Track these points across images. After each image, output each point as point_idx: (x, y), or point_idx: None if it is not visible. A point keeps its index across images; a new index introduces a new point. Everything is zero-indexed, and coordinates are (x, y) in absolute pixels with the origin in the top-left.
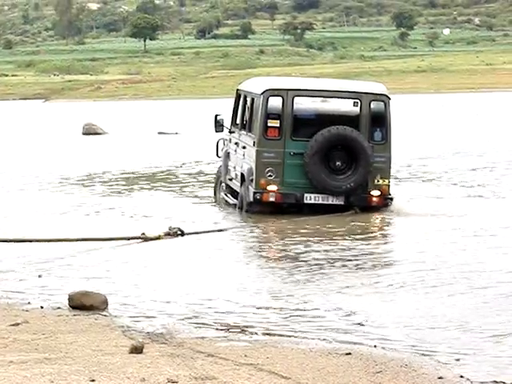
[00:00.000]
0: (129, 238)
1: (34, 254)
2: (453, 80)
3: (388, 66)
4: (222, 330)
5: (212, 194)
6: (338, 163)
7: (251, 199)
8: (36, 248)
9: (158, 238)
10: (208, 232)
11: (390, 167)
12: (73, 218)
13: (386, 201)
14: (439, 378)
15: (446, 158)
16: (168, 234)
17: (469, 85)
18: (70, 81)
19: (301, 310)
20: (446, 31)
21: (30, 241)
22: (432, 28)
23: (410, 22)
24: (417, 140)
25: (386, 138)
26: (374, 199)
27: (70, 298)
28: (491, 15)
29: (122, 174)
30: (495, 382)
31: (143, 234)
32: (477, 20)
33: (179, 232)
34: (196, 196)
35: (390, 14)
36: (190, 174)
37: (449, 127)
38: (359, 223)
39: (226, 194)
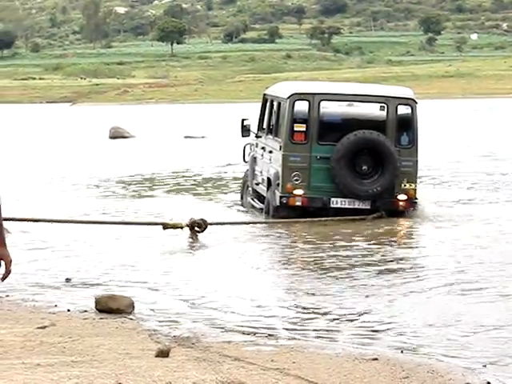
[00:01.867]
0: (149, 224)
1: (60, 257)
2: (480, 85)
3: (415, 71)
4: (248, 334)
5: (239, 199)
6: (364, 167)
7: (277, 203)
8: (63, 251)
9: (180, 227)
10: (232, 224)
11: (416, 171)
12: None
13: (412, 205)
14: (466, 383)
15: (477, 161)
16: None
17: (496, 90)
18: (96, 84)
19: (326, 313)
20: (474, 36)
21: (50, 221)
22: (460, 33)
23: (438, 26)
24: (446, 144)
25: (413, 142)
26: (401, 203)
27: (97, 301)
28: None
29: (149, 177)
30: None
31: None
32: (505, 25)
33: (203, 223)
34: (222, 200)
35: (418, 19)
36: (216, 179)
37: (480, 131)
38: (386, 227)
39: (252, 199)
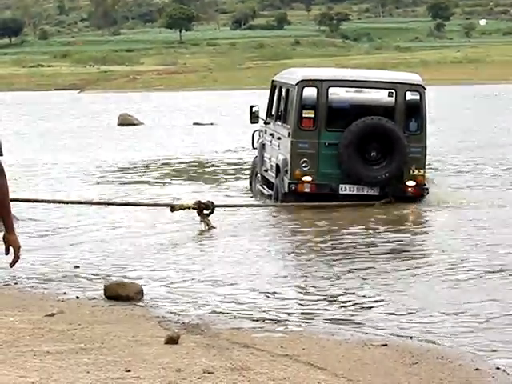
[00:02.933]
0: (156, 205)
1: (69, 244)
2: (489, 71)
3: (424, 57)
4: (257, 320)
5: (248, 185)
6: (372, 154)
7: (286, 190)
8: (72, 238)
9: (187, 207)
10: (240, 206)
11: (425, 157)
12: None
13: (421, 191)
14: (476, 369)
15: (482, 148)
16: (197, 208)
17: (505, 76)
18: (105, 71)
19: (336, 299)
20: (483, 22)
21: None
22: (468, 19)
23: (446, 12)
24: (451, 130)
25: (421, 128)
26: (410, 189)
27: (106, 289)
28: None
29: (157, 164)
30: None
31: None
32: None
33: (210, 205)
34: (231, 187)
35: (426, 5)
36: (225, 165)
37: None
38: (395, 213)
39: (261, 185)
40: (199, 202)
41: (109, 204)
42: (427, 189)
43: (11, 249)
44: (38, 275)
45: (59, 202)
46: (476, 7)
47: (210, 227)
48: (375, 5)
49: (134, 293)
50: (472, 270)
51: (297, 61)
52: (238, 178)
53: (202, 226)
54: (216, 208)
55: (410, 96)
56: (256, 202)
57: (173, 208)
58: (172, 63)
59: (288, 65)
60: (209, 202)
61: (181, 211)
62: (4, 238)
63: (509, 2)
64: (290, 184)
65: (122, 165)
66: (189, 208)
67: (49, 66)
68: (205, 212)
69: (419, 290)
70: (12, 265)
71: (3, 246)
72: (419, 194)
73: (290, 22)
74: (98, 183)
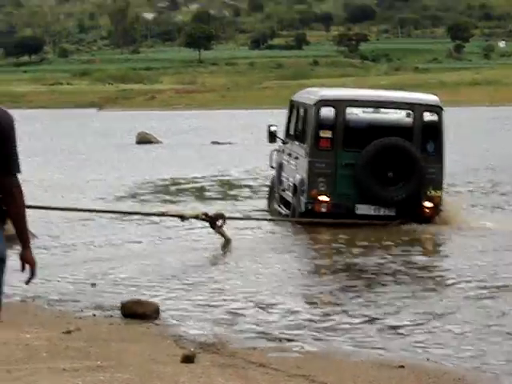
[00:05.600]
0: (168, 215)
1: (86, 262)
2: (508, 93)
3: (442, 78)
4: (273, 340)
5: (265, 205)
6: (389, 174)
7: (303, 209)
8: (88, 255)
9: (196, 217)
10: (250, 219)
11: (442, 178)
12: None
13: (438, 212)
14: None
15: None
16: (207, 217)
17: None
18: (124, 90)
19: (353, 321)
20: (502, 44)
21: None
22: (487, 40)
23: (466, 34)
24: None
25: (439, 149)
26: (427, 210)
27: (123, 306)
28: None
29: (174, 182)
30: None
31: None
32: None
33: (220, 216)
34: (249, 206)
35: (445, 26)
36: (243, 185)
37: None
38: (411, 233)
39: (278, 205)
40: (206, 213)
41: (117, 212)
42: (440, 209)
43: (27, 266)
44: (55, 292)
45: (72, 209)
46: (495, 29)
47: (227, 239)
48: (394, 26)
49: (151, 311)
50: (490, 291)
51: (315, 81)
52: (255, 198)
53: (219, 240)
54: (227, 220)
55: (427, 117)
56: (267, 217)
57: (184, 217)
58: (191, 82)
59: (306, 85)
60: (218, 213)
61: (193, 222)
62: (20, 254)
63: None
64: (306, 203)
65: (138, 183)
66: (199, 218)
67: (68, 84)
68: (218, 223)
69: (436, 311)
70: (28, 282)
71: (19, 263)
72: (435, 215)
73: (309, 42)
74: (114, 201)
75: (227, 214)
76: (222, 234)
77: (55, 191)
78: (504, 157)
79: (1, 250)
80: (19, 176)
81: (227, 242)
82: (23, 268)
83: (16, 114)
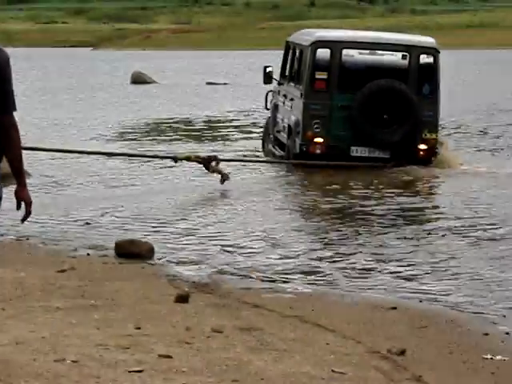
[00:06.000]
0: (161, 157)
1: (80, 201)
2: (506, 36)
3: (439, 21)
4: (267, 281)
5: (260, 146)
6: (385, 116)
7: (297, 151)
8: (83, 195)
9: (188, 158)
10: (244, 161)
11: (437, 121)
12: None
13: (433, 154)
14: (484, 334)
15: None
16: (200, 159)
17: None
18: (119, 29)
19: (346, 263)
20: None
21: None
22: None
23: None
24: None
25: (434, 91)
26: (421, 153)
27: (117, 246)
28: None
29: (169, 122)
30: None
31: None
32: None
33: (213, 159)
34: (244, 146)
35: None
36: (238, 125)
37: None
38: (405, 175)
39: (273, 146)
40: (198, 156)
41: (109, 154)
42: (437, 152)
43: (22, 204)
44: (50, 231)
45: (65, 151)
46: None
47: (224, 175)
48: None
49: (145, 251)
50: (482, 234)
51: (312, 22)
52: (249, 139)
53: (214, 181)
54: (221, 162)
55: (423, 59)
56: (260, 159)
57: (176, 159)
58: (186, 22)
59: (303, 26)
60: (211, 155)
61: (185, 163)
62: (16, 192)
63: None
64: (301, 145)
65: (132, 123)
66: (192, 160)
67: (63, 23)
68: (212, 164)
69: (428, 254)
70: (23, 220)
71: (15, 201)
72: (431, 157)
73: None
74: (107, 141)
75: (221, 155)
76: (219, 171)
77: (52, 130)
78: (496, 100)
79: None
80: (15, 114)
81: (225, 176)
82: (19, 206)
83: (10, 51)
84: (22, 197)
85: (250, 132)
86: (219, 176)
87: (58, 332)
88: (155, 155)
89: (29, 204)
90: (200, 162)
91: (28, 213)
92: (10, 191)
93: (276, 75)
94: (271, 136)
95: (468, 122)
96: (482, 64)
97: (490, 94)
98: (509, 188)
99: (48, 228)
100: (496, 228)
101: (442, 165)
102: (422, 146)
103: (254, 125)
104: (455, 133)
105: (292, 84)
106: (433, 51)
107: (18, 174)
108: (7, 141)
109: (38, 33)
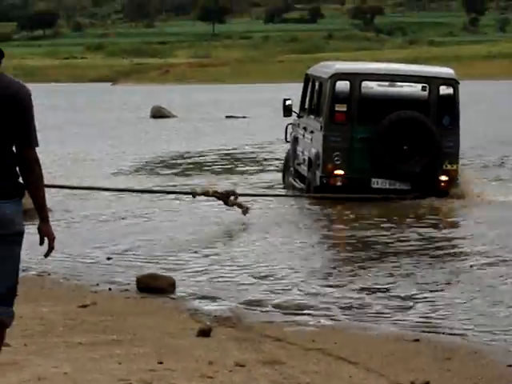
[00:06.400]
0: (179, 193)
1: (102, 236)
2: None
3: (457, 52)
4: (289, 314)
5: (281, 179)
6: (405, 148)
7: (318, 184)
8: (104, 230)
9: (207, 193)
10: (263, 196)
11: (458, 152)
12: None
13: (453, 185)
14: (509, 365)
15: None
16: (218, 193)
17: None
18: (138, 64)
19: (368, 295)
20: None
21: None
22: (503, 13)
23: (481, 6)
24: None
25: (455, 122)
26: (442, 184)
27: (138, 281)
28: None
29: (190, 156)
30: None
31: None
32: None
33: (232, 194)
34: (264, 180)
35: None
36: (258, 158)
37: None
38: (426, 207)
39: (294, 179)
40: (216, 191)
41: (128, 191)
42: (457, 183)
43: (45, 239)
44: (71, 267)
45: (88, 188)
46: (511, 2)
47: (244, 207)
48: None
49: (167, 285)
50: (506, 264)
51: (330, 54)
52: (271, 171)
53: (239, 212)
54: (239, 196)
55: (443, 90)
56: (279, 193)
57: (195, 194)
58: (205, 56)
59: (321, 58)
60: (229, 190)
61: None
62: (39, 228)
63: None
64: (321, 178)
65: (153, 157)
66: (211, 195)
67: (82, 58)
68: (231, 199)
69: (453, 286)
70: (46, 255)
71: (38, 237)
72: (451, 188)
73: (324, 16)
74: (127, 176)
75: (239, 189)
76: (239, 205)
77: (71, 165)
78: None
79: (19, 224)
80: (37, 149)
81: (246, 210)
82: (42, 242)
83: (30, 87)
84: (46, 232)
85: (270, 165)
86: (239, 209)
87: (80, 367)
88: (173, 191)
89: (52, 240)
90: (218, 198)
91: (51, 248)
92: (32, 226)
93: (296, 108)
94: (291, 169)
95: (484, 153)
96: (501, 94)
97: (507, 124)
98: None
99: (69, 263)
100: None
101: (461, 196)
102: (443, 178)
103: (274, 158)
104: (472, 163)
105: (312, 116)
106: (452, 82)
107: (41, 210)
108: (30, 176)
109: (58, 69)
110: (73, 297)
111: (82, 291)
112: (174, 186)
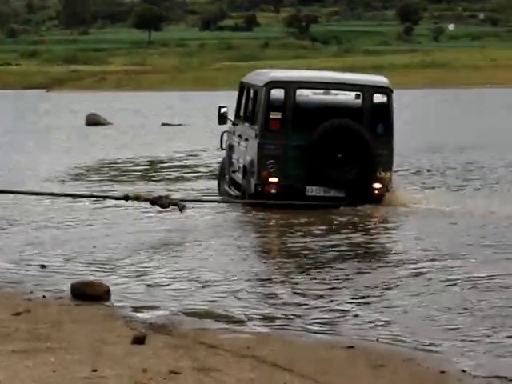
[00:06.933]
0: (112, 198)
1: (35, 243)
2: (457, 75)
3: (392, 61)
4: (224, 321)
5: (216, 186)
6: (339, 156)
7: (253, 191)
8: (37, 236)
9: (138, 198)
10: (197, 201)
11: (392, 160)
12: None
13: (387, 193)
14: (441, 372)
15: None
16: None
17: (472, 80)
18: (73, 71)
19: (303, 302)
20: (451, 26)
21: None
22: (437, 23)
23: (415, 16)
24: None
25: (388, 130)
26: (376, 192)
27: (73, 287)
28: (496, 10)
29: (124, 163)
30: (497, 376)
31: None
32: (482, 15)
33: (164, 198)
34: (199, 187)
35: (396, 9)
36: (193, 166)
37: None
38: (359, 214)
39: (229, 187)
40: (149, 195)
41: (60, 195)
42: (388, 190)
43: None
44: (5, 274)
45: (19, 192)
46: (445, 11)
47: (180, 204)
48: (344, 8)
49: (102, 292)
50: (437, 271)
51: (265, 62)
52: (205, 179)
53: (176, 212)
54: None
55: (377, 98)
56: (215, 199)
57: (127, 198)
58: (141, 63)
59: (257, 66)
60: (161, 195)
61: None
62: None
63: (477, 6)
64: (256, 185)
65: (84, 164)
66: (143, 199)
67: (16, 65)
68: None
69: (384, 292)
70: None
71: None
72: (384, 195)
73: (259, 24)
74: (63, 183)
75: (175, 195)
76: (175, 203)
77: (3, 173)
78: (444, 138)
79: None
80: None
81: (183, 207)
82: None
83: None
84: None
85: (206, 172)
86: (176, 208)
87: (13, 375)
88: (106, 196)
89: None
90: (152, 202)
91: None
92: None
93: (231, 116)
94: (227, 176)
95: (417, 160)
96: (437, 102)
97: (440, 132)
98: (460, 223)
99: (2, 271)
100: (443, 260)
101: (395, 203)
102: (377, 185)
103: (210, 165)
104: (405, 170)
105: (247, 124)
106: (386, 90)
107: None
108: None
109: None
110: (6, 304)
111: (16, 299)
112: (107, 191)
